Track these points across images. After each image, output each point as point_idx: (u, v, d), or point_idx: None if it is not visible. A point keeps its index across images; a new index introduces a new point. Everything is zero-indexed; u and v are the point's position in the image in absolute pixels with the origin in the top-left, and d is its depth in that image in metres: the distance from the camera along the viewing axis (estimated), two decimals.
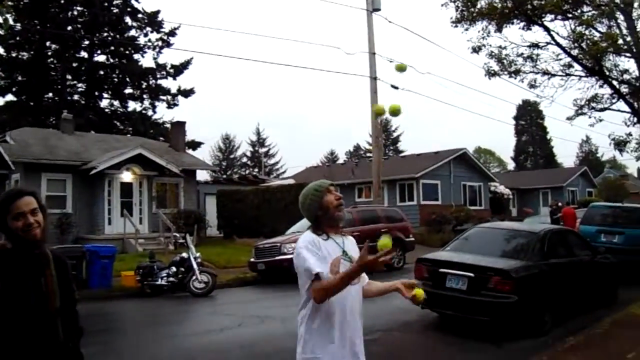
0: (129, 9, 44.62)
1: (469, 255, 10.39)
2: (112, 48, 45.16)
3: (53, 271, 3.06)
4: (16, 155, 25.27)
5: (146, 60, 77.07)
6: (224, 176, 58.56)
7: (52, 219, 21.95)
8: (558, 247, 11.24)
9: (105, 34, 44.74)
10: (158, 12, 45.17)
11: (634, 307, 11.74)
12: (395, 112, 4.38)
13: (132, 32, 46.13)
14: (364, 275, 3.82)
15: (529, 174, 62.81)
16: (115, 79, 46.02)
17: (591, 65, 20.14)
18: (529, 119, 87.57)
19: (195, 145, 47.09)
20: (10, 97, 43.40)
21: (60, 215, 24.72)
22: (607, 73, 20.68)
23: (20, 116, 39.16)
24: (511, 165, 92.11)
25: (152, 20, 45.13)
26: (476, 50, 21.25)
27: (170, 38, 45.89)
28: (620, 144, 22.43)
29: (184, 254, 15.78)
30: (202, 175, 42.45)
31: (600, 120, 22.76)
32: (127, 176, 26.97)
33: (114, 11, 44.14)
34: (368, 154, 68.61)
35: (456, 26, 21.06)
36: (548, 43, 20.66)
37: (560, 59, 21.14)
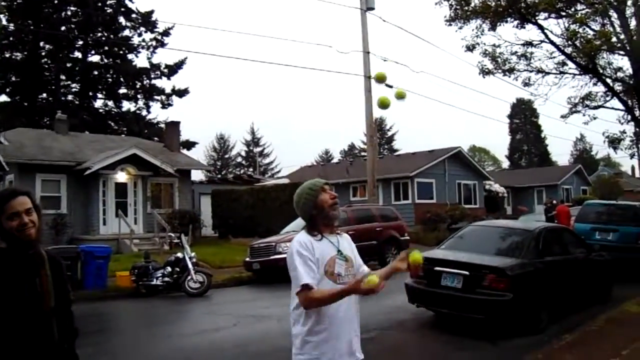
0: (122, 9, 44.54)
1: (464, 254, 10.40)
2: (106, 48, 45.07)
3: (48, 271, 3.05)
4: (10, 156, 25.21)
5: (140, 60, 77.00)
6: (219, 176, 58.58)
7: (46, 219, 21.90)
8: (553, 244, 11.26)
9: (99, 34, 44.68)
10: (152, 12, 45.12)
11: (628, 304, 11.78)
12: (400, 96, 4.43)
13: (126, 32, 46.09)
14: (364, 269, 3.83)
15: (524, 173, 62.95)
16: (110, 79, 45.94)
17: (585, 63, 20.19)
18: (523, 117, 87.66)
19: (189, 145, 47.07)
20: (4, 98, 43.40)
21: (55, 215, 24.68)
22: (601, 71, 20.74)
23: (14, 117, 39.05)
24: (506, 164, 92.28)
25: (146, 20, 45.06)
26: (470, 48, 21.29)
27: (164, 38, 45.84)
28: (614, 142, 22.51)
29: (179, 254, 15.76)
30: (197, 175, 42.40)
31: (595, 118, 22.85)
32: (121, 176, 26.93)
33: (108, 11, 44.07)
34: (363, 153, 68.75)
35: (450, 25, 21.11)
36: (542, 41, 20.71)
37: (554, 57, 21.20)
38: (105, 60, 45.75)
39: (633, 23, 20.24)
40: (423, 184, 36.94)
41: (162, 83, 47.06)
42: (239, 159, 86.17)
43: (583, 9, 19.87)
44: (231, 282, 17.45)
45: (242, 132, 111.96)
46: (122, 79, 45.69)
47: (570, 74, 21.51)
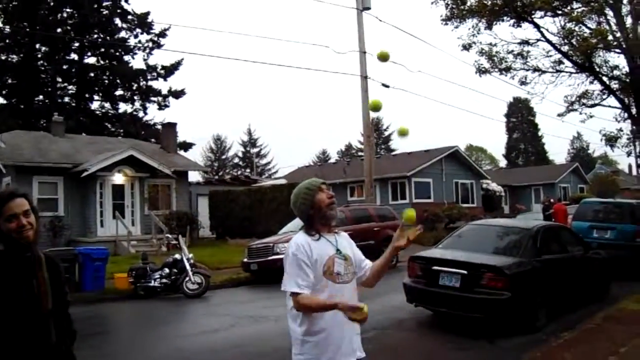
0: (118, 11, 44.59)
1: (462, 253, 10.40)
2: (102, 50, 45.12)
3: (45, 273, 3.05)
4: (7, 158, 25.20)
5: (136, 62, 76.95)
6: (216, 177, 58.51)
7: (44, 221, 21.89)
8: (551, 243, 11.27)
9: (95, 36, 44.70)
10: (148, 13, 45.22)
11: (626, 302, 11.80)
12: (375, 107, 4.43)
13: (122, 34, 46.22)
14: (366, 266, 3.83)
15: (521, 171, 63.02)
16: (106, 81, 45.96)
17: (581, 61, 20.21)
18: (520, 116, 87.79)
19: (186, 146, 47.09)
20: (0, 100, 43.32)
21: (52, 218, 24.65)
22: (597, 69, 20.76)
23: (11, 119, 39.01)
24: (503, 163, 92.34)
25: (142, 22, 45.11)
26: (466, 47, 21.29)
27: (160, 39, 45.96)
28: (611, 140, 22.51)
29: (177, 255, 15.74)
30: (194, 176, 42.39)
31: (591, 117, 22.88)
32: (118, 178, 26.92)
33: (104, 13, 44.14)
34: (360, 153, 68.69)
35: (446, 24, 21.12)
36: (538, 40, 20.73)
37: (551, 56, 21.22)
38: (102, 62, 45.80)
39: (629, 21, 20.25)
40: (420, 183, 36.95)
41: (159, 84, 47.10)
42: (236, 160, 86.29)
43: (579, 7, 19.88)
44: (229, 283, 17.43)
45: (239, 133, 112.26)
46: (118, 81, 45.72)
47: (566, 72, 21.54)
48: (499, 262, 9.69)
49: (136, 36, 46.30)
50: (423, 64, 74.92)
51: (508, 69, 21.50)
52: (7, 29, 41.73)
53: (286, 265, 3.54)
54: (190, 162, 34.57)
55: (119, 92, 46.54)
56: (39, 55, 43.83)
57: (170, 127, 34.99)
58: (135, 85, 45.99)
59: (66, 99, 45.65)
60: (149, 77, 45.99)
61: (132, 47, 45.75)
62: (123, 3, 44.64)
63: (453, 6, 20.69)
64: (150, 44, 45.83)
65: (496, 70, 21.55)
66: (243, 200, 30.15)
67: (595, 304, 11.66)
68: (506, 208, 48.99)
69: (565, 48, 20.41)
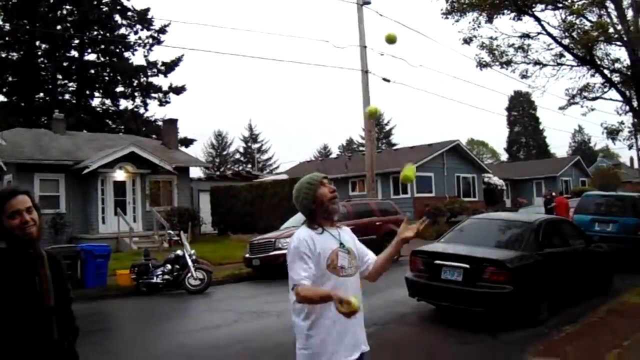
0: (118, 7, 44.53)
1: (464, 247, 10.39)
2: (103, 46, 45.08)
3: (47, 270, 3.06)
4: (8, 156, 25.20)
5: (137, 58, 76.67)
6: (217, 173, 58.48)
7: (45, 219, 21.87)
8: (553, 236, 11.26)
9: (95, 33, 44.61)
10: (148, 9, 45.13)
11: (628, 295, 11.81)
12: (391, 39, 4.41)
13: (122, 30, 46.09)
14: (369, 260, 3.82)
15: (522, 165, 63.00)
16: (106, 78, 45.93)
17: (582, 54, 20.18)
18: (521, 109, 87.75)
19: (187, 142, 47.05)
20: (0, 98, 43.38)
21: (54, 215, 24.66)
22: (599, 62, 20.73)
23: (11, 117, 39.00)
24: (504, 156, 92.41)
25: (142, 18, 45.05)
26: (467, 41, 21.28)
27: (160, 35, 45.93)
28: (612, 133, 22.53)
29: (179, 252, 15.74)
30: (195, 172, 42.35)
31: (593, 110, 22.87)
32: (120, 175, 26.91)
33: (104, 9, 44.05)
34: (361, 148, 68.63)
35: (447, 18, 21.09)
36: (539, 33, 20.71)
37: (552, 49, 21.20)
38: (102, 59, 45.74)
39: (630, 14, 20.21)
40: (422, 177, 36.90)
41: (159, 80, 47.23)
42: (237, 156, 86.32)
43: (580, 0, 19.85)
44: (231, 279, 17.44)
45: (240, 128, 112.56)
46: (119, 77, 45.68)
47: (567, 65, 21.53)
48: (501, 256, 9.69)
49: (136, 32, 46.26)
50: (424, 58, 75.03)
51: (509, 63, 21.48)
52: (7, 26, 41.72)
53: (288, 259, 3.53)
54: (191, 158, 34.54)
55: (119, 89, 46.51)
56: (39, 53, 43.79)
57: (171, 123, 34.95)
58: (136, 81, 45.96)
59: (67, 96, 45.62)
60: (149, 74, 45.97)
61: (132, 43, 45.72)
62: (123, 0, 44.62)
63: (454, 0, 20.66)
64: (151, 40, 45.83)
65: (497, 63, 21.54)
66: (244, 196, 30.15)
67: (598, 297, 11.66)
68: (508, 202, 48.97)
69: (566, 41, 20.39)
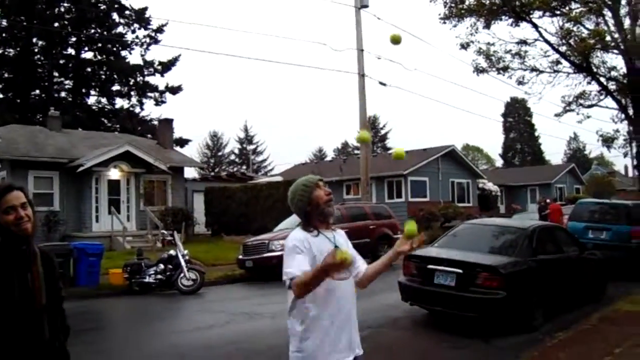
0: (116, 6, 44.49)
1: (457, 252, 10.39)
2: (99, 45, 45.03)
3: (40, 268, 3.03)
4: (3, 152, 25.13)
5: (134, 57, 76.70)
6: (212, 173, 58.50)
7: (39, 216, 21.59)
8: (546, 243, 11.26)
9: (93, 31, 44.59)
10: (145, 8, 45.08)
11: (621, 302, 11.81)
12: (399, 156, 4.41)
13: (120, 29, 46.11)
14: (360, 266, 3.81)
15: (517, 171, 63.11)
16: (103, 76, 45.90)
17: (579, 61, 20.25)
18: (517, 116, 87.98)
19: (183, 142, 47.03)
20: None
21: (48, 212, 24.61)
22: (595, 70, 20.80)
23: (7, 113, 38.92)
24: (499, 162, 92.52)
25: (140, 17, 45.03)
26: (465, 46, 21.34)
27: (157, 35, 45.89)
28: (608, 140, 22.60)
29: (172, 252, 15.71)
30: (190, 173, 42.40)
31: (588, 117, 22.96)
32: (114, 173, 26.88)
33: (101, 8, 44.01)
34: (356, 151, 68.65)
35: (445, 22, 21.15)
36: (536, 40, 20.79)
37: (548, 56, 21.29)
38: (99, 57, 45.68)
39: (627, 22, 20.31)
40: (416, 182, 36.95)
41: (156, 80, 47.05)
42: (232, 157, 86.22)
43: (577, 8, 19.92)
44: (224, 280, 17.42)
45: (236, 129, 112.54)
46: (115, 76, 45.64)
47: (564, 72, 21.62)
48: (495, 262, 9.69)
49: (133, 31, 46.22)
50: (421, 63, 75.23)
51: (506, 69, 21.55)
52: (4, 22, 41.63)
53: (284, 258, 3.51)
54: (186, 159, 34.52)
55: (115, 88, 46.47)
56: (36, 50, 43.75)
57: (167, 123, 34.93)
58: (132, 80, 45.93)
59: (63, 94, 45.56)
60: (145, 73, 45.94)
61: (129, 42, 45.67)
62: None
63: (452, 5, 20.74)
64: (148, 40, 45.80)
65: (494, 69, 21.61)
66: (239, 197, 30.14)
67: (591, 304, 11.68)
68: (502, 208, 49.02)
69: (563, 48, 20.46)
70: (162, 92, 46.52)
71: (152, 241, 24.14)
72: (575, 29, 19.54)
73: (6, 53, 42.67)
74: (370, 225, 19.90)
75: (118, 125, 44.87)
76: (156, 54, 76.75)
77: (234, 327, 10.81)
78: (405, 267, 10.77)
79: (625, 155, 24.50)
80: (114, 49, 45.47)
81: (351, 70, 24.40)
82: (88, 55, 45.70)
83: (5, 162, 25.14)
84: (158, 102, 46.81)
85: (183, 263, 15.15)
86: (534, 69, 21.59)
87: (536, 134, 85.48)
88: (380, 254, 18.75)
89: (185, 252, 15.69)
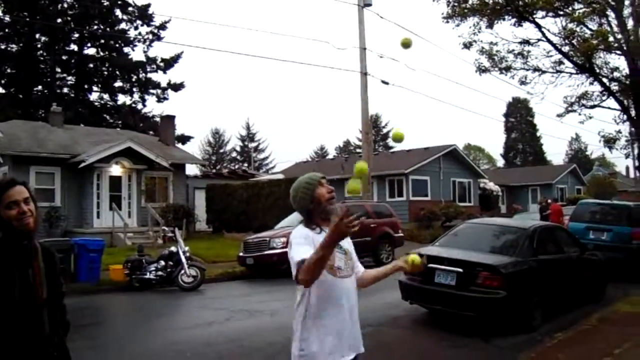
0: (119, 2, 44.51)
1: (458, 251, 10.38)
2: (102, 41, 45.03)
3: (41, 263, 3.04)
4: (5, 147, 25.13)
5: (136, 54, 76.83)
6: (214, 170, 58.51)
7: (40, 212, 21.68)
8: (547, 243, 11.25)
9: (95, 27, 44.56)
10: (148, 5, 45.08)
11: (620, 303, 11.83)
12: (398, 138, 4.39)
13: (123, 25, 46.11)
14: (358, 265, 3.82)
15: (519, 171, 63.05)
16: (105, 72, 45.89)
17: (582, 62, 20.21)
18: (518, 116, 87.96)
19: (184, 139, 47.02)
20: None
21: (49, 208, 24.61)
22: (598, 70, 20.76)
23: (9, 109, 38.93)
24: (501, 162, 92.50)
25: (143, 14, 45.02)
26: (467, 46, 21.29)
27: (160, 31, 45.90)
28: (609, 141, 22.56)
29: (173, 248, 15.74)
30: (192, 170, 42.45)
31: (590, 118, 22.91)
32: (116, 170, 26.89)
33: (105, 4, 43.99)
34: (358, 150, 68.75)
35: (447, 22, 21.11)
36: (539, 40, 20.74)
37: (551, 56, 21.24)
38: (101, 53, 45.71)
39: (630, 23, 20.27)
40: (418, 181, 36.94)
41: (158, 77, 47.19)
42: (234, 154, 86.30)
43: (580, 8, 19.89)
44: (224, 277, 17.44)
45: (238, 127, 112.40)
46: (117, 72, 45.66)
47: (566, 73, 21.57)
48: (495, 261, 9.69)
49: (136, 28, 46.26)
50: (423, 62, 75.25)
51: (508, 69, 21.51)
52: (7, 18, 41.66)
53: (289, 251, 3.49)
54: (188, 155, 34.54)
55: (118, 84, 46.51)
56: (39, 45, 43.75)
57: (169, 119, 34.92)
58: (135, 77, 45.94)
59: (65, 90, 45.58)
60: (148, 70, 45.95)
61: (132, 38, 45.72)
62: None
63: (455, 4, 20.69)
64: (150, 36, 45.81)
65: (496, 69, 21.57)
66: (240, 195, 30.11)
67: (591, 305, 11.68)
68: (503, 208, 49.00)
69: (565, 48, 20.43)
70: (164, 89, 46.53)
71: (153, 238, 24.15)
72: (578, 29, 19.52)
73: (9, 48, 42.68)
74: (371, 224, 19.88)
75: (120, 122, 44.89)
76: (159, 50, 76.57)
77: (234, 324, 10.80)
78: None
79: (627, 156, 24.52)
80: (117, 45, 45.48)
81: (353, 68, 24.42)
82: (91, 51, 45.81)
83: (7, 158, 25.15)
84: (160, 99, 46.87)
85: (184, 260, 15.17)
86: (536, 69, 21.56)
87: (538, 134, 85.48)
88: (381, 253, 18.83)
89: (186, 248, 15.70)
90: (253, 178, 37.80)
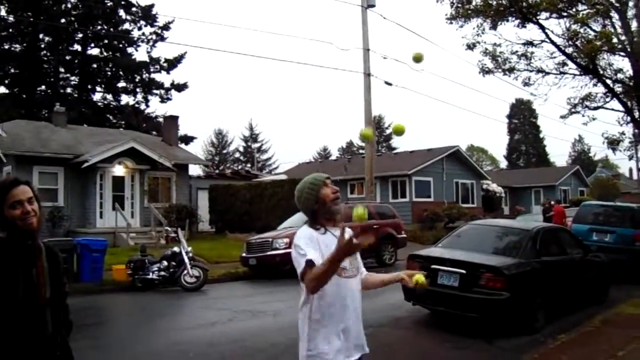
0: (123, 2, 44.49)
1: (461, 252, 10.37)
2: (106, 41, 45.03)
3: (45, 263, 3.04)
4: (8, 147, 25.17)
5: (140, 54, 76.88)
6: (217, 171, 58.47)
7: (43, 212, 21.76)
8: (550, 245, 11.25)
9: (99, 27, 44.59)
10: (152, 5, 45.11)
11: (624, 305, 11.81)
12: (399, 131, 4.38)
13: (126, 26, 46.07)
14: (362, 267, 3.83)
15: (522, 173, 63.04)
16: (109, 73, 45.90)
17: (585, 63, 20.16)
18: (522, 117, 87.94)
19: (187, 139, 47.04)
20: (2, 90, 43.42)
21: (52, 208, 24.61)
22: (601, 72, 20.70)
23: (13, 109, 38.97)
24: (504, 164, 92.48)
25: (146, 14, 45.03)
26: (471, 47, 21.24)
27: (164, 32, 45.88)
28: (613, 143, 22.50)
29: (176, 248, 15.74)
30: (195, 170, 42.36)
31: (594, 119, 22.82)
32: (119, 170, 26.90)
33: (108, 4, 43.99)
34: (361, 151, 68.68)
35: (451, 23, 21.05)
36: (543, 41, 20.68)
37: (555, 57, 21.16)
38: (105, 54, 45.71)
39: (634, 24, 20.21)
40: (421, 182, 36.93)
41: (161, 77, 47.20)
42: (237, 155, 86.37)
43: (584, 10, 19.84)
44: (227, 277, 17.45)
45: (241, 127, 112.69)
46: (121, 73, 45.67)
47: (570, 74, 21.49)
48: (498, 263, 9.68)
49: (140, 28, 46.24)
50: (427, 63, 75.19)
51: (511, 70, 21.46)
52: (11, 18, 41.70)
53: (296, 250, 3.48)
54: (191, 156, 34.55)
55: (121, 84, 46.51)
56: (42, 45, 43.77)
57: (172, 120, 34.97)
58: (138, 77, 45.95)
59: (68, 90, 45.61)
60: (151, 70, 45.95)
61: (135, 39, 45.70)
62: None
63: (458, 5, 20.63)
64: (154, 37, 45.79)
65: (500, 70, 21.52)
66: (243, 195, 30.12)
67: (594, 307, 11.67)
68: (506, 209, 48.98)
69: (569, 50, 20.37)
70: (167, 89, 46.54)
71: (155, 238, 24.16)
72: (582, 30, 19.47)
73: (13, 48, 42.70)
74: (373, 225, 19.86)
75: (123, 122, 44.88)
76: (162, 51, 76.95)
77: (237, 324, 10.81)
78: (409, 267, 10.72)
79: (630, 158, 24.44)
80: (120, 45, 45.49)
81: (357, 69, 24.43)
82: (94, 51, 45.81)
83: (10, 157, 25.18)
84: (163, 99, 46.87)
85: (186, 260, 15.17)
86: (540, 71, 21.50)
87: (541, 135, 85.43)
88: (384, 254, 18.80)
89: (189, 249, 15.71)
90: (256, 179, 37.84)
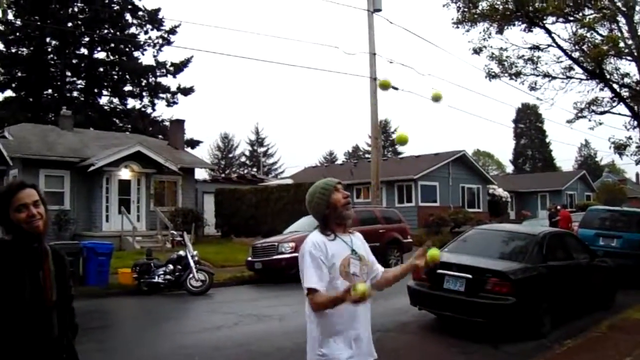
0: (129, 6, 44.58)
1: (467, 257, 10.34)
2: (112, 45, 45.10)
3: (51, 266, 3.04)
4: (14, 150, 25.22)
5: (146, 58, 76.59)
6: (223, 175, 58.55)
7: (49, 215, 21.74)
8: (557, 249, 11.21)
9: (106, 31, 44.70)
10: (159, 9, 45.14)
11: (631, 310, 11.76)
12: (403, 141, 4.39)
13: (133, 30, 46.09)
14: (377, 266, 3.81)
15: (528, 177, 62.91)
16: (115, 76, 45.98)
17: (592, 68, 20.15)
18: (528, 122, 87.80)
19: (194, 143, 47.06)
20: (9, 93, 43.49)
21: (58, 211, 24.64)
22: (608, 76, 20.69)
23: (19, 112, 39.07)
24: (510, 168, 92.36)
25: (153, 18, 45.10)
26: (477, 51, 21.25)
27: (170, 36, 45.94)
28: (620, 148, 22.46)
29: (182, 252, 15.74)
30: (201, 174, 42.43)
31: (600, 124, 22.82)
32: (125, 173, 26.94)
33: (115, 8, 44.08)
34: (367, 155, 68.68)
35: (457, 27, 21.08)
36: (549, 45, 20.69)
37: (561, 62, 21.18)
38: (111, 57, 45.75)
39: None
40: (427, 187, 36.91)
41: (168, 81, 47.09)
42: (243, 159, 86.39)
43: (591, 14, 19.82)
44: (233, 281, 17.44)
45: (247, 131, 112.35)
46: (127, 76, 45.74)
47: (577, 78, 21.50)
48: (504, 267, 9.65)
49: (146, 32, 46.27)
50: (433, 67, 75.37)
51: (518, 74, 21.46)
52: (18, 22, 41.82)
53: (303, 263, 3.50)
54: (197, 160, 34.58)
55: (127, 88, 46.55)
56: (49, 49, 43.87)
57: (178, 124, 35.02)
58: (144, 81, 46.00)
59: (75, 94, 45.70)
60: (158, 74, 46.00)
61: (142, 43, 45.75)
62: None
63: (465, 10, 20.65)
64: (160, 41, 45.86)
65: (506, 75, 21.52)
66: (249, 199, 30.15)
67: (600, 312, 11.63)
68: (512, 214, 48.87)
69: (576, 54, 20.37)
70: (174, 93, 46.57)
71: (161, 241, 24.18)
72: (588, 35, 19.47)
73: (19, 52, 42.83)
74: (379, 229, 19.84)
75: (129, 126, 44.93)
76: (168, 55, 77.19)
77: (243, 328, 10.80)
78: (415, 272, 10.72)
79: (637, 162, 24.25)
80: (127, 49, 45.56)
81: (363, 73, 24.42)
82: (101, 55, 45.83)
83: (16, 161, 25.22)
84: (170, 103, 46.89)
85: (192, 264, 15.17)
86: (546, 75, 21.50)
87: (547, 140, 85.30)
88: (390, 258, 18.79)
89: (195, 252, 15.71)
90: (262, 183, 37.87)
